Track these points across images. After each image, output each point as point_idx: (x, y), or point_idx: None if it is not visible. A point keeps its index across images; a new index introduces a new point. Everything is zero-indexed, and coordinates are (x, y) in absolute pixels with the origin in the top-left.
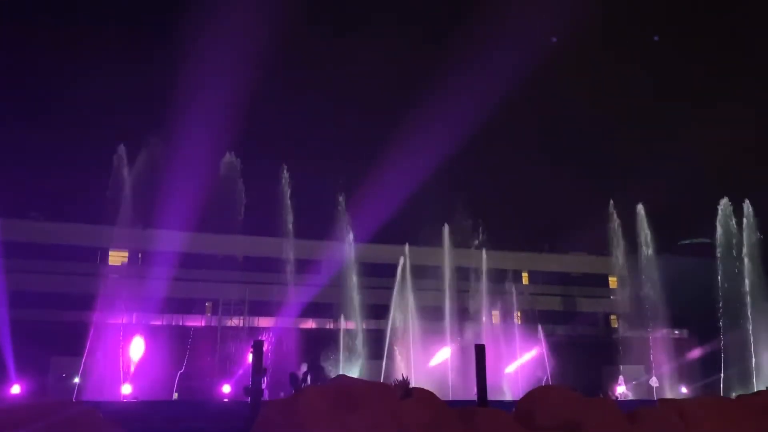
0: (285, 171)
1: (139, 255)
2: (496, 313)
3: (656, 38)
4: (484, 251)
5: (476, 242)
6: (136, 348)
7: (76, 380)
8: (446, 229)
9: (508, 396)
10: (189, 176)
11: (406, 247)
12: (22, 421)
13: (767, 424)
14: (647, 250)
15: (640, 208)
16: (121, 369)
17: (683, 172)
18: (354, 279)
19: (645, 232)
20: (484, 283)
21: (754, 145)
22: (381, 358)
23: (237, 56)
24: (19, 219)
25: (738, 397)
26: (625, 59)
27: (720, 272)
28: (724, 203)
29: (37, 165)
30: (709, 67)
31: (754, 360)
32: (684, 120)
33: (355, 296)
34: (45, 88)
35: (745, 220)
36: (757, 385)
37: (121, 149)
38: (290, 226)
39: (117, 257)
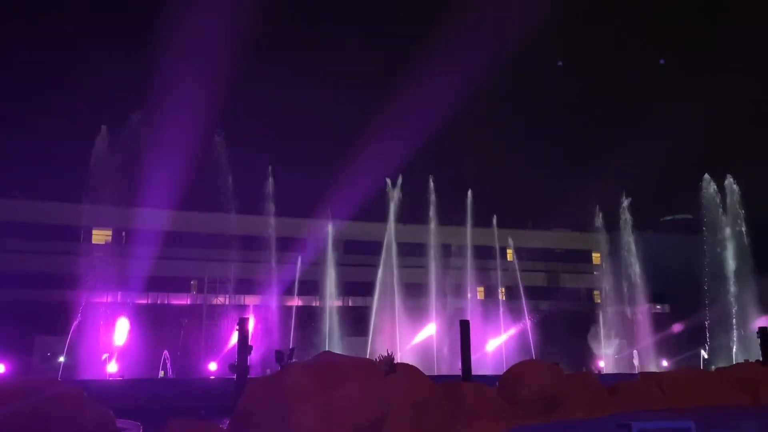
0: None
1: (123, 234)
2: (481, 290)
3: (662, 61)
4: (469, 228)
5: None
6: (121, 327)
7: (62, 359)
8: (432, 206)
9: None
10: (173, 154)
11: (391, 224)
12: (6, 399)
13: (744, 395)
14: (630, 226)
15: (624, 184)
16: (108, 348)
17: (666, 148)
18: (339, 257)
19: (628, 209)
20: (469, 260)
21: (735, 121)
22: (366, 335)
23: (221, 34)
24: (1, 198)
25: (717, 369)
26: (605, 41)
27: (702, 248)
28: (706, 179)
29: (18, 144)
30: (685, 46)
31: (735, 334)
32: (665, 95)
33: (340, 274)
34: (26, 68)
35: (728, 196)
36: (737, 359)
37: (104, 128)
38: (275, 204)
39: (100, 236)
